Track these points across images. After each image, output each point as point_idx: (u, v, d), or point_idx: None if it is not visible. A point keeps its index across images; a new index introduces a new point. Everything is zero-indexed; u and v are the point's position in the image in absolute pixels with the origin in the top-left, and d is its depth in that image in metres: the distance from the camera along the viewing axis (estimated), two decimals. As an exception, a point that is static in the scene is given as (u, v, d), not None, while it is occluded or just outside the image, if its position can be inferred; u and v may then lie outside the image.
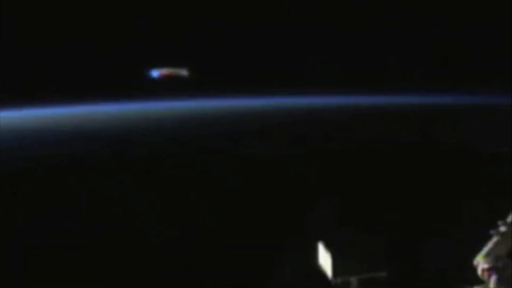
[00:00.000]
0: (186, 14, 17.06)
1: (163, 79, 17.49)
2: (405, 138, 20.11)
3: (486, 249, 5.69)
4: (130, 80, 19.77)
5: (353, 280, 5.89)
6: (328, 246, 5.93)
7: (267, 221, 13.04)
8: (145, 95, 21.77)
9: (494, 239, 5.69)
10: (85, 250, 12.04)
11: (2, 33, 18.84)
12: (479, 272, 5.65)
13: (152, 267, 11.15)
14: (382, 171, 16.19)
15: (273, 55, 20.09)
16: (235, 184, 15.92)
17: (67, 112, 23.76)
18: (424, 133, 20.46)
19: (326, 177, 15.86)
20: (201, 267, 10.94)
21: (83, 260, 11.55)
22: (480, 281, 5.69)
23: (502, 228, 5.69)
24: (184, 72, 16.96)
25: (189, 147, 20.22)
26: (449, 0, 20.86)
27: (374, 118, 24.27)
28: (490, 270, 5.59)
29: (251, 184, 16.03)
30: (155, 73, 17.42)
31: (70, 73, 19.64)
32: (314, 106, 25.76)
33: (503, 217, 5.75)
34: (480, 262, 5.64)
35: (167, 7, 16.86)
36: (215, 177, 16.83)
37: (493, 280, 5.57)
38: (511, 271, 5.60)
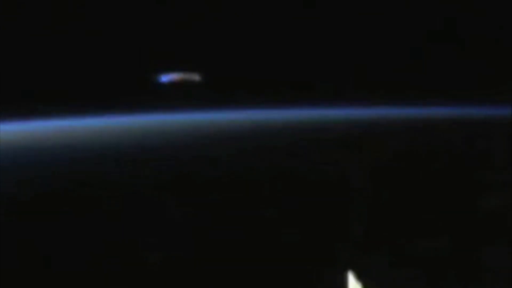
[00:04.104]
0: (198, 9, 16.89)
1: (173, 85, 17.44)
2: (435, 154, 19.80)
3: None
4: (134, 87, 19.66)
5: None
6: (359, 277, 5.66)
7: (293, 247, 12.89)
8: (153, 103, 21.64)
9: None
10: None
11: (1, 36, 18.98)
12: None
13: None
14: (418, 192, 15.84)
15: (300, 58, 19.68)
16: (257, 207, 15.74)
17: (63, 125, 23.78)
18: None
19: (356, 199, 15.60)
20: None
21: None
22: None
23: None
24: (196, 77, 16.82)
25: (206, 165, 20.00)
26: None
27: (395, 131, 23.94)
28: None
29: (274, 208, 15.84)
30: (165, 78, 17.45)
31: (65, 79, 19.55)
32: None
33: None
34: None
35: (178, 2, 16.71)
36: (231, 200, 16.61)
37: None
38: None
